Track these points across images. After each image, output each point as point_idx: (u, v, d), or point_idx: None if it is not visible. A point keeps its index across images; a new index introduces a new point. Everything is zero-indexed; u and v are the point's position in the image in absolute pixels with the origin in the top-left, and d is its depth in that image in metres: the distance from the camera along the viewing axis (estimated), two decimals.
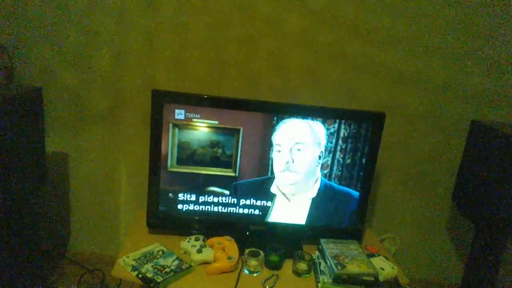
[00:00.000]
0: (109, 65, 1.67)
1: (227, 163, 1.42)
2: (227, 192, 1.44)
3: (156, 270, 1.23)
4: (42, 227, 1.87)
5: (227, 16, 1.61)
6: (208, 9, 1.60)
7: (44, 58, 1.65)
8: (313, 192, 1.46)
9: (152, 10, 1.60)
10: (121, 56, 1.66)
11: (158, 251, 1.34)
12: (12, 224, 1.49)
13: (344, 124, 1.40)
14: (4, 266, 1.45)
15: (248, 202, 1.46)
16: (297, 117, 1.39)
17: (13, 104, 1.24)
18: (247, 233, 1.49)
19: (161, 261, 1.28)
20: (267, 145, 1.40)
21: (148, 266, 1.25)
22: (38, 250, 1.87)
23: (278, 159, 1.42)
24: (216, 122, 1.38)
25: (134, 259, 1.27)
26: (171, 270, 1.24)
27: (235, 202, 1.46)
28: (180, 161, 1.41)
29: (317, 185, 1.46)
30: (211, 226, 1.47)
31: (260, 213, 1.48)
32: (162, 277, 1.20)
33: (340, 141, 1.42)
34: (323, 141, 1.41)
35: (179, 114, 1.37)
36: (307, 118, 1.39)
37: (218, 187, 1.44)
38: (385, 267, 1.32)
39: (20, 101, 1.31)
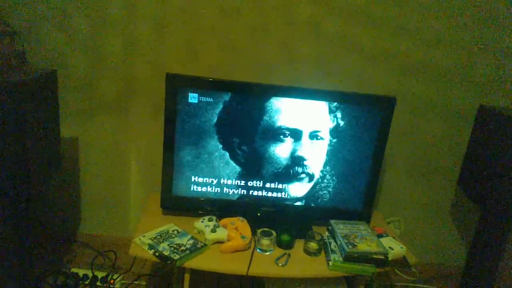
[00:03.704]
0: (120, 51, 1.68)
1: None
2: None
3: (172, 248, 1.27)
4: (55, 211, 1.90)
5: (238, 4, 1.62)
6: None
7: (55, 43, 1.66)
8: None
9: None
10: (132, 43, 1.67)
11: (173, 231, 1.37)
12: (27, 208, 1.53)
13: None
14: (18, 249, 1.49)
15: (259, 184, 1.50)
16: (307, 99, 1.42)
17: (28, 87, 1.26)
18: (258, 214, 1.52)
19: (177, 240, 1.32)
20: None
21: (164, 244, 1.29)
22: (51, 233, 1.91)
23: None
24: None
25: (150, 238, 1.31)
26: (187, 249, 1.28)
27: (247, 184, 1.49)
28: None
29: None
30: (223, 207, 1.50)
31: (272, 194, 1.52)
32: (179, 255, 1.24)
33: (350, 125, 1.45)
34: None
35: (193, 98, 1.40)
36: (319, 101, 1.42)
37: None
38: (393, 247, 1.36)
39: (35, 84, 1.32)
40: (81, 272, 1.66)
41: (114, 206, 1.91)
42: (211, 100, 1.40)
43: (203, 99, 1.39)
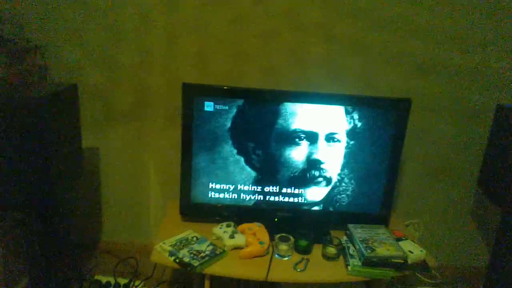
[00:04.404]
0: (134, 63, 1.72)
1: None
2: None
3: (192, 255, 1.29)
4: (77, 219, 1.95)
5: (247, 11, 1.64)
6: (228, 4, 1.63)
7: (73, 57, 1.71)
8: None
9: (174, 7, 1.64)
10: (146, 54, 1.71)
11: (192, 237, 1.40)
12: (50, 215, 1.58)
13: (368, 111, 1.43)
14: (42, 257, 1.54)
15: (276, 189, 1.51)
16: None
17: (51, 102, 1.30)
18: (276, 219, 1.53)
19: (196, 247, 1.34)
20: None
21: (184, 251, 1.31)
22: (74, 242, 1.97)
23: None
24: None
25: (170, 245, 1.34)
26: (206, 255, 1.30)
27: (263, 189, 1.51)
28: None
29: None
30: (240, 213, 1.52)
31: (289, 200, 1.52)
32: (199, 261, 1.26)
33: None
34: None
35: (208, 106, 1.42)
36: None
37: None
38: (413, 250, 1.35)
39: (57, 98, 1.37)
40: (104, 279, 1.69)
41: (134, 213, 1.95)
42: (227, 107, 1.42)
43: (219, 107, 1.42)
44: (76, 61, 1.72)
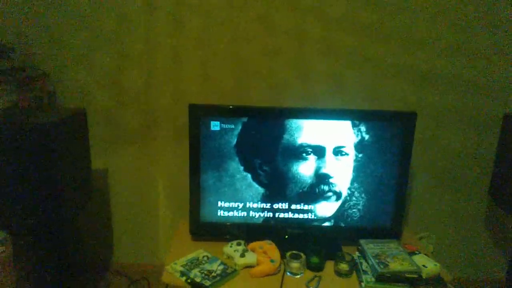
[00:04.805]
0: (141, 84, 1.75)
1: None
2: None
3: (203, 275, 1.29)
4: (88, 241, 1.96)
5: (249, 29, 1.67)
6: (231, 23, 1.66)
7: (82, 81, 1.75)
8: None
9: (178, 28, 1.68)
10: (151, 75, 1.74)
11: (203, 257, 1.39)
12: (60, 238, 1.59)
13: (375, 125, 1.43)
14: (53, 277, 1.54)
15: (285, 206, 1.50)
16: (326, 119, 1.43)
17: (60, 126, 1.33)
18: (286, 237, 1.52)
19: (207, 266, 1.33)
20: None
21: (196, 271, 1.30)
22: (85, 263, 1.97)
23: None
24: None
25: (181, 265, 1.33)
26: (218, 275, 1.29)
27: (272, 206, 1.50)
28: None
29: None
30: (250, 231, 1.51)
31: (298, 216, 1.52)
32: (210, 281, 1.25)
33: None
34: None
35: (215, 125, 1.43)
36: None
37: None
38: (427, 264, 1.33)
39: (66, 123, 1.40)
40: None
41: (145, 234, 1.95)
42: (232, 126, 1.43)
43: (225, 126, 1.43)
44: (84, 85, 1.75)
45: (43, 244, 1.52)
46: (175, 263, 1.35)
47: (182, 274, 1.29)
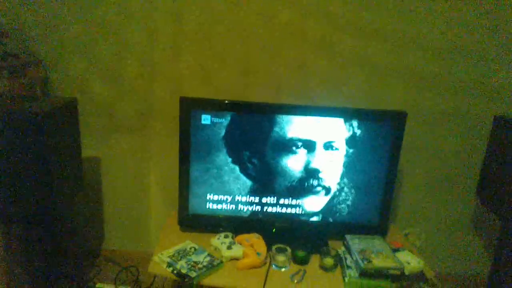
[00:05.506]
0: (138, 75, 1.75)
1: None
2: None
3: (189, 266, 1.31)
4: (79, 228, 1.98)
5: (250, 26, 1.66)
6: (231, 19, 1.65)
7: (78, 70, 1.75)
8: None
9: (178, 21, 1.67)
10: (149, 66, 1.73)
11: (190, 248, 1.41)
12: (52, 226, 1.60)
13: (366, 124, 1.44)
14: (45, 265, 1.56)
15: (273, 200, 1.52)
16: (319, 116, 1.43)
17: (50, 116, 1.33)
18: (274, 230, 1.54)
19: (194, 258, 1.35)
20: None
21: (182, 262, 1.32)
22: (76, 250, 1.99)
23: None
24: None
25: (168, 256, 1.35)
26: (204, 266, 1.31)
27: (261, 200, 1.52)
28: None
29: None
30: (238, 224, 1.53)
31: (286, 210, 1.53)
32: (196, 272, 1.27)
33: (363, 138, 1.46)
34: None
35: (205, 119, 1.44)
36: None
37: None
38: (410, 261, 1.35)
39: (57, 112, 1.40)
40: (105, 287, 1.72)
41: (135, 222, 1.97)
42: (223, 120, 1.43)
43: (215, 120, 1.43)
44: (80, 73, 1.75)
45: (34, 232, 1.54)
46: (162, 254, 1.36)
47: (169, 265, 1.31)
